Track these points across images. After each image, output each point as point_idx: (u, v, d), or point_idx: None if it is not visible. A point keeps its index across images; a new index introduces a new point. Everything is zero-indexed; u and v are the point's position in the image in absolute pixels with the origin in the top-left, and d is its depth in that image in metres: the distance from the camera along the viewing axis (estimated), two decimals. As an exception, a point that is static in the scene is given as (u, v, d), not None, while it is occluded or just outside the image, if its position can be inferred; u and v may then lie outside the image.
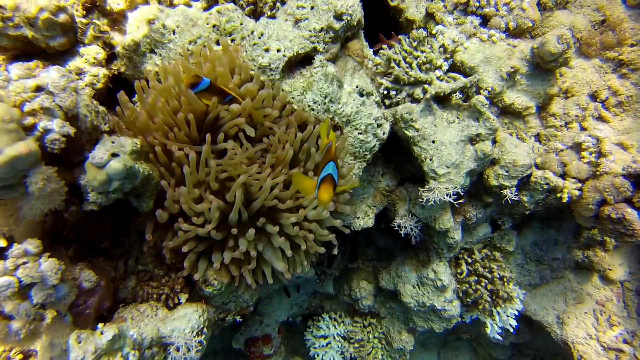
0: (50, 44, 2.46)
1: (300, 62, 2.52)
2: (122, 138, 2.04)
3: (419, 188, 2.80)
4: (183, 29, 2.57)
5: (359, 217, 3.08)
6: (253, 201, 2.33)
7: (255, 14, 2.84)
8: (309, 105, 2.43)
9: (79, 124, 1.99)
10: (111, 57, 2.70)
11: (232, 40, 2.64)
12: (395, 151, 3.04)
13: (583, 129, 3.01)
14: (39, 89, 1.80)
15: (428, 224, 3.07)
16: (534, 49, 2.91)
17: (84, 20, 2.62)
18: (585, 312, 3.63)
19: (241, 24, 2.63)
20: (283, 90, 2.42)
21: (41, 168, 1.73)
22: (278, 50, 2.37)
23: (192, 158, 2.20)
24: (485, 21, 3.06)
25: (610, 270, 3.66)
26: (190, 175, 2.21)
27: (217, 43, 2.65)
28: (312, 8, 2.45)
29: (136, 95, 2.38)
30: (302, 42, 2.43)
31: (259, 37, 2.38)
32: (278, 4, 2.82)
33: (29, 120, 1.75)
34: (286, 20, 2.48)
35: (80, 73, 2.53)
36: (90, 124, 2.12)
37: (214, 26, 2.62)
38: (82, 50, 2.57)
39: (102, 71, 2.58)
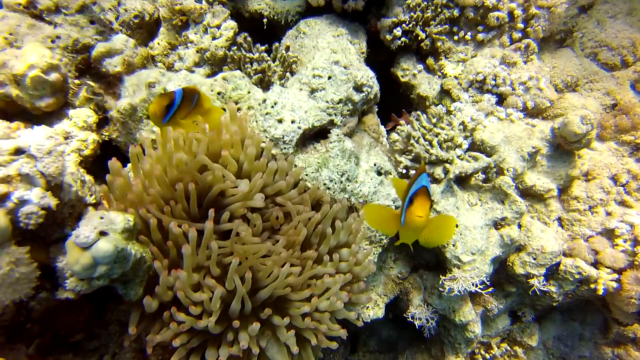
0: (36, 105, 2.21)
1: (314, 135, 2.31)
2: (112, 213, 1.73)
3: (441, 276, 2.51)
4: (186, 95, 2.35)
5: (367, 307, 2.75)
6: (259, 289, 2.00)
7: (263, 84, 2.67)
8: (324, 184, 2.18)
9: (62, 194, 1.68)
10: (102, 122, 2.44)
11: (239, 109, 2.43)
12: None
13: (608, 213, 2.81)
14: (18, 151, 1.51)
15: (445, 316, 2.74)
16: (554, 129, 2.77)
17: (77, 81, 2.39)
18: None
19: (248, 92, 2.44)
20: (296, 165, 2.17)
21: (9, 249, 1.40)
22: (293, 122, 2.15)
23: (192, 237, 1.88)
24: (501, 100, 2.95)
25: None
26: (190, 257, 1.89)
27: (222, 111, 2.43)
28: (329, 78, 2.28)
29: (129, 164, 2.11)
30: (318, 113, 2.23)
31: (272, 107, 2.16)
32: (288, 74, 2.65)
33: (1, 189, 1.44)
34: (301, 89, 2.29)
35: (67, 137, 2.25)
36: (75, 195, 1.81)
37: (218, 93, 2.42)
38: (71, 112, 2.31)
39: (92, 136, 2.31)
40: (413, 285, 2.82)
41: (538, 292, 2.65)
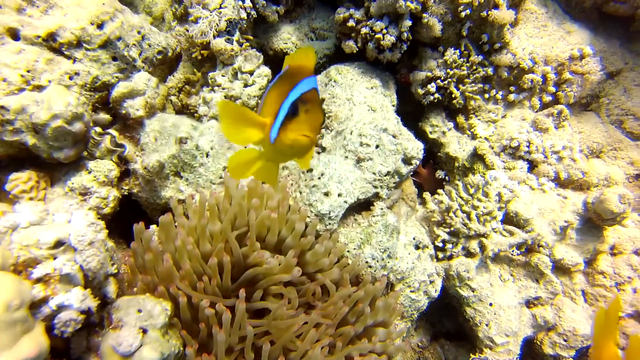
0: (54, 156, 1.98)
1: (355, 207, 2.16)
2: (148, 302, 1.54)
3: (471, 355, 2.40)
4: (218, 152, 2.18)
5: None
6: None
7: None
8: (366, 262, 2.03)
9: (98, 284, 1.48)
10: (123, 175, 2.23)
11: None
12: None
13: (635, 291, 2.77)
14: (58, 244, 1.31)
15: (467, 391, 2.64)
16: (587, 204, 2.71)
17: (98, 129, 2.17)
18: None
19: (284, 150, 2.27)
20: (339, 241, 2.02)
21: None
22: (339, 195, 2.00)
23: (225, 320, 1.71)
24: (532, 167, 2.87)
25: None
26: (224, 344, 1.71)
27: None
28: (377, 147, 2.14)
29: (157, 232, 1.91)
30: (364, 185, 2.09)
31: (319, 178, 2.01)
32: (323, 131, 2.50)
33: (38, 292, 1.23)
34: (346, 157, 2.14)
35: (85, 193, 2.03)
36: (104, 276, 1.61)
37: (253, 151, 2.24)
38: (91, 165, 2.09)
39: (113, 193, 2.10)
40: (433, 355, 2.70)
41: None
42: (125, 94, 2.34)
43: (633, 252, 2.88)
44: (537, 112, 3.04)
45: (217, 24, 2.65)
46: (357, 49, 2.86)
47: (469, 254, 2.43)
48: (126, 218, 2.31)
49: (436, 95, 2.91)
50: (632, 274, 2.80)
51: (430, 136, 2.99)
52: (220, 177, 2.17)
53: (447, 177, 2.93)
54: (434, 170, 3.02)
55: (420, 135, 3.10)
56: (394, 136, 2.14)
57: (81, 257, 1.33)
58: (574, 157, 2.82)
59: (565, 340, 2.51)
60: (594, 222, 2.73)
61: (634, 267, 2.81)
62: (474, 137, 2.95)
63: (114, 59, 2.38)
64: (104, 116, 2.32)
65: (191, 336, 1.79)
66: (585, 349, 2.60)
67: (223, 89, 2.58)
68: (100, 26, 2.27)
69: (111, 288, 1.74)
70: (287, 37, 3.06)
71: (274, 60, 3.09)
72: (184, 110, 2.97)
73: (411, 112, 3.17)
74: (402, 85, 3.04)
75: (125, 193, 2.21)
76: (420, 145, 2.19)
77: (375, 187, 2.11)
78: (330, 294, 2.00)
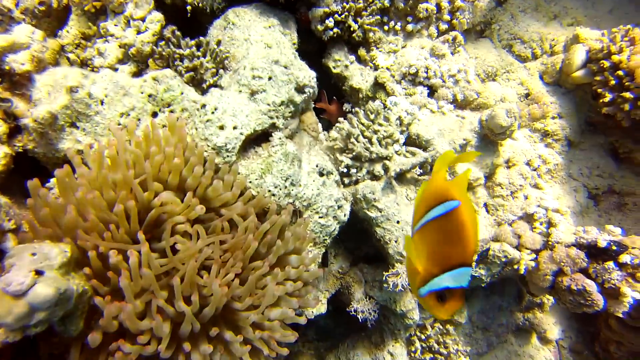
0: None
1: (255, 139, 2.22)
2: (45, 245, 1.55)
3: (384, 272, 2.57)
4: (113, 99, 2.15)
5: (311, 303, 2.77)
6: (205, 306, 1.93)
7: (195, 81, 2.50)
8: (269, 191, 2.11)
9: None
10: (14, 131, 2.16)
11: (171, 112, 2.26)
12: (346, 229, 2.81)
13: (526, 197, 3.04)
14: None
15: (386, 306, 2.84)
16: (482, 122, 2.90)
17: (-22, 85, 2.09)
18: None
19: (181, 93, 2.28)
20: (239, 173, 2.09)
21: None
22: (235, 128, 2.04)
23: (132, 263, 1.75)
24: (432, 92, 3.02)
25: (547, 330, 3.72)
26: (130, 288, 1.75)
27: (154, 115, 2.26)
28: (269, 79, 2.18)
29: (57, 186, 1.89)
30: (259, 117, 2.14)
31: (212, 112, 2.04)
32: (221, 71, 2.51)
33: None
34: (240, 92, 2.18)
35: (-29, 153, 1.97)
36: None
37: (149, 95, 2.23)
38: (-26, 123, 2.02)
39: (3, 149, 2.04)
40: (354, 279, 2.87)
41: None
42: (6, 48, 2.24)
43: (524, 163, 3.14)
44: (434, 40, 3.17)
45: (101, -30, 2.55)
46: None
47: (374, 177, 2.57)
48: (27, 176, 2.26)
49: (335, 30, 2.96)
50: (523, 182, 3.06)
51: (334, 71, 3.06)
52: (119, 124, 2.15)
53: (353, 109, 3.04)
54: (341, 104, 3.11)
55: (325, 71, 3.17)
56: (285, 67, 2.19)
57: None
58: (468, 79, 2.99)
59: (467, 247, 2.74)
60: (489, 138, 2.94)
61: (524, 176, 3.07)
62: (375, 68, 3.05)
63: (-13, 12, 2.26)
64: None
65: (104, 284, 1.82)
66: (485, 252, 2.86)
67: (117, 38, 2.51)
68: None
69: (9, 244, 1.73)
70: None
71: (173, 10, 3.00)
72: (83, 66, 2.87)
73: (316, 52, 3.22)
74: (302, 24, 3.07)
75: (20, 150, 2.15)
76: (312, 74, 2.25)
77: (271, 117, 2.17)
78: (239, 229, 2.07)
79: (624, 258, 2.66)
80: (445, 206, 1.25)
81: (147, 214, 1.91)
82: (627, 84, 2.92)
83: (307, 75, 2.21)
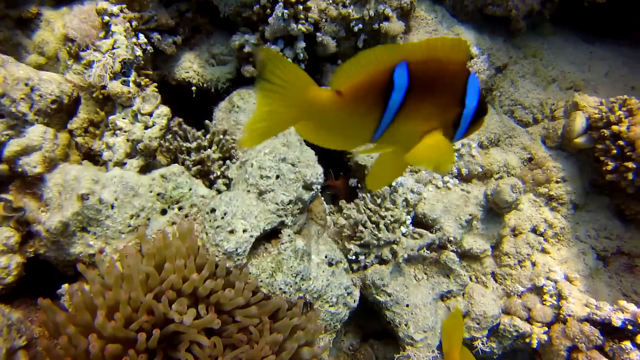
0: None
1: (264, 236, 2.24)
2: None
3: (395, 355, 2.57)
4: (123, 201, 2.19)
5: (323, 384, 2.75)
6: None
7: (202, 173, 2.54)
8: (280, 289, 2.13)
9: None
10: (26, 237, 2.20)
11: (180, 209, 2.30)
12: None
13: (533, 264, 3.05)
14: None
15: (398, 383, 2.82)
16: (487, 196, 2.93)
17: (-10, 195, 2.13)
18: None
19: (190, 190, 2.32)
20: (250, 273, 2.11)
21: None
22: (244, 231, 2.08)
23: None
24: (435, 166, 3.06)
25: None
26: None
27: (163, 212, 2.29)
28: (277, 177, 2.23)
29: (65, 285, 1.91)
30: (268, 217, 2.17)
31: (222, 218, 2.07)
32: (228, 162, 2.56)
33: None
34: (248, 191, 2.22)
35: (-16, 266, 2.00)
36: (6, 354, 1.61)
37: (158, 194, 2.28)
38: (-14, 235, 2.05)
39: (15, 260, 2.07)
40: (365, 356, 2.85)
41: (481, 353, 2.80)
42: (19, 152, 2.30)
43: (530, 231, 3.16)
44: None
45: (111, 66, 2.63)
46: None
47: (382, 261, 2.59)
48: (38, 276, 2.29)
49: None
50: (530, 251, 3.07)
51: (339, 147, 3.11)
52: (129, 226, 2.19)
53: (359, 185, 3.07)
54: (346, 179, 3.15)
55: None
56: (293, 165, 2.24)
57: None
58: (472, 153, 3.03)
59: (478, 324, 2.74)
60: (494, 210, 2.97)
61: (530, 244, 3.08)
62: (380, 144, 3.10)
63: (1, 116, 2.32)
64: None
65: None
66: (495, 327, 2.85)
67: (125, 132, 2.57)
68: (-21, 88, 2.21)
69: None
70: (188, 66, 3.07)
71: (178, 90, 3.10)
72: (91, 153, 2.93)
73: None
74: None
75: (31, 255, 2.18)
76: (318, 171, 2.29)
77: (280, 216, 2.20)
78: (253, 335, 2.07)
79: (643, 340, 2.64)
80: None
81: (162, 325, 1.93)
82: (628, 153, 2.96)
83: (315, 173, 2.25)
